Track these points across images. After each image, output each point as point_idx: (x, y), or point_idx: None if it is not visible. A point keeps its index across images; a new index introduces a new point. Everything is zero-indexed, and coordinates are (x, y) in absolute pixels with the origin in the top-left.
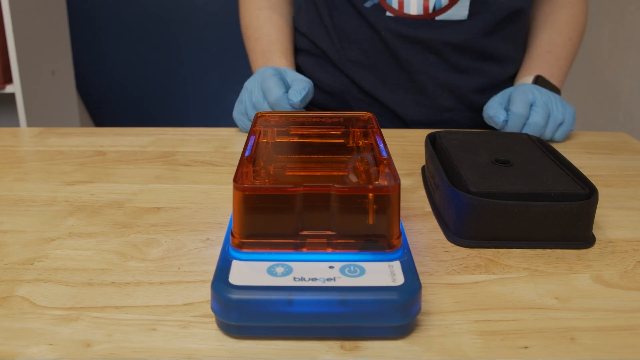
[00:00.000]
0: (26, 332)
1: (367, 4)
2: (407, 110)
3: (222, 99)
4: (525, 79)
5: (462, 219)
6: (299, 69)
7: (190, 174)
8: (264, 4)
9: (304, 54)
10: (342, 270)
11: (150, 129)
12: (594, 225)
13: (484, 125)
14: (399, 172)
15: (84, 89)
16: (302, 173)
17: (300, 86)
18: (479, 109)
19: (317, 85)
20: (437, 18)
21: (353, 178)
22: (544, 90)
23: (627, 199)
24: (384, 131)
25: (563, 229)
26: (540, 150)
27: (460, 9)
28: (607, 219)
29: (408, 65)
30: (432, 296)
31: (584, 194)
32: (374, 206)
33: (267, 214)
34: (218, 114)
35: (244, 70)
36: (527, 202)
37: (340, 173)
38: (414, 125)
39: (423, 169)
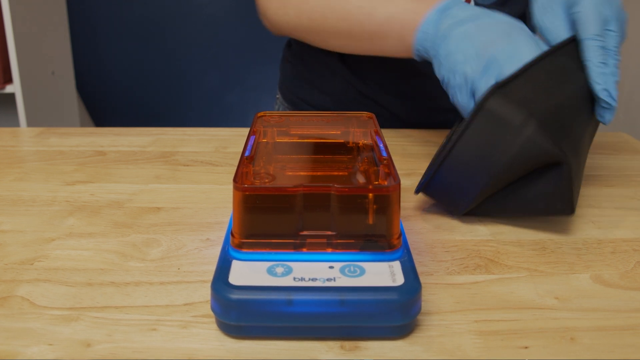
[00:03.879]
0: (26, 332)
1: None
2: (408, 112)
3: (222, 99)
4: None
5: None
6: (295, 63)
7: (190, 174)
8: None
9: (303, 55)
10: (342, 270)
11: (150, 129)
12: (594, 225)
13: None
14: (399, 172)
15: (84, 89)
16: (302, 173)
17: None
18: None
19: (314, 86)
20: None
21: (360, 179)
22: None
23: (627, 199)
24: (384, 131)
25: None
26: None
27: None
28: (607, 219)
29: (408, 68)
30: (432, 296)
31: None
32: (374, 206)
33: (267, 214)
34: (218, 114)
35: (244, 70)
36: None
37: (340, 173)
38: (413, 126)
39: None
